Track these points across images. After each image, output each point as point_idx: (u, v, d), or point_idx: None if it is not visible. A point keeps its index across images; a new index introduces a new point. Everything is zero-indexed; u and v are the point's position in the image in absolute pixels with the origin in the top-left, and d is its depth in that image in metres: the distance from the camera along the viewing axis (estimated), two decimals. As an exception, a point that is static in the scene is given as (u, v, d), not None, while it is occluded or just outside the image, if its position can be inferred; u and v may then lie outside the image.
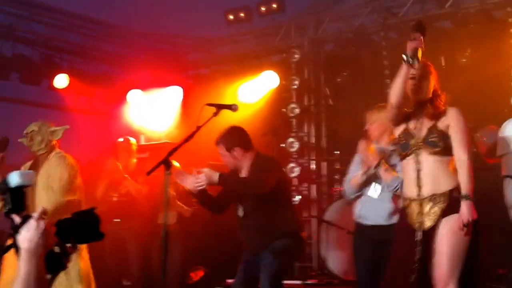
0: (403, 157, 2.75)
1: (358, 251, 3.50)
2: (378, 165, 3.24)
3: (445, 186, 2.61)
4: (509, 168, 3.22)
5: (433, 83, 2.77)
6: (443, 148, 2.63)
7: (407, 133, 2.73)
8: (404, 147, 2.72)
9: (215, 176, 3.17)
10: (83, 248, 3.57)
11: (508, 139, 3.26)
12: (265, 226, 3.34)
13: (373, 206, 3.34)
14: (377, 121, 3.41)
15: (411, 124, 2.75)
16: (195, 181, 3.18)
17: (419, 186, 2.64)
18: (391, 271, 2.73)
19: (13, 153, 3.74)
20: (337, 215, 5.15)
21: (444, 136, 2.65)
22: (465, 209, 2.54)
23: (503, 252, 4.22)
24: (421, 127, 2.71)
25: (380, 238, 3.24)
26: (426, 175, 2.63)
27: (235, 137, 3.42)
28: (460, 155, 2.60)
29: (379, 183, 3.32)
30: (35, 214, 1.56)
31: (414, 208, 2.65)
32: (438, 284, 2.55)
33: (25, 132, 3.69)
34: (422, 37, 2.69)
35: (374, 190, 3.35)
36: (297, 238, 3.45)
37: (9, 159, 3.66)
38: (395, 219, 3.15)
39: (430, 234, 2.60)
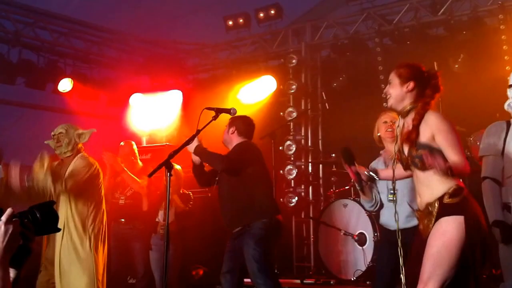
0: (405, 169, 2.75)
1: (379, 255, 3.55)
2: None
3: (437, 192, 2.57)
4: (488, 170, 3.22)
5: (407, 98, 2.65)
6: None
7: (400, 150, 2.71)
8: (402, 163, 2.73)
9: (194, 145, 3.55)
10: (100, 240, 3.70)
11: (490, 141, 3.26)
12: (240, 202, 3.63)
13: (391, 211, 3.30)
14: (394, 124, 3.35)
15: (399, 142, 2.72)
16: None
17: (419, 196, 2.66)
18: (410, 272, 2.69)
19: (23, 157, 3.82)
20: (333, 217, 5.24)
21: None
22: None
23: (496, 252, 4.30)
24: (405, 147, 2.66)
25: (403, 240, 3.25)
26: (422, 184, 2.63)
27: (241, 121, 3.83)
28: (450, 157, 2.51)
29: (395, 188, 3.31)
30: (3, 218, 1.45)
31: (420, 216, 2.67)
32: (419, 283, 2.52)
33: (52, 133, 3.74)
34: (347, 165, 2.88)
35: (391, 196, 3.37)
36: (273, 219, 3.64)
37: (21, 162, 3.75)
38: (414, 221, 3.11)
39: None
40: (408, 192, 3.28)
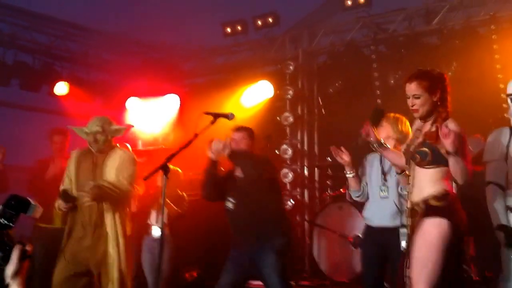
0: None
1: (364, 252, 3.56)
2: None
3: (424, 193, 2.61)
4: (492, 174, 3.26)
5: (432, 99, 2.67)
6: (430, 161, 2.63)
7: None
8: (406, 156, 2.79)
9: (228, 149, 3.38)
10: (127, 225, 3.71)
11: (494, 146, 3.30)
12: (261, 220, 3.44)
13: (378, 207, 3.41)
14: (383, 126, 3.48)
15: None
16: (218, 143, 3.37)
17: (410, 194, 2.71)
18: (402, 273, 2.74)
19: (24, 156, 3.78)
20: (328, 219, 5.29)
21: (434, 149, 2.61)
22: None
23: (490, 255, 4.35)
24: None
25: (384, 241, 3.31)
26: (414, 182, 2.68)
27: (254, 134, 3.71)
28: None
29: (386, 185, 3.40)
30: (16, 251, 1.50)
31: (408, 213, 2.72)
32: (411, 285, 2.56)
33: (88, 131, 3.69)
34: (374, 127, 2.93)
35: (380, 191, 3.41)
36: (291, 237, 3.60)
37: (20, 161, 3.70)
38: (398, 221, 3.21)
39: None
40: (396, 191, 3.33)
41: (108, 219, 3.62)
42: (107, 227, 3.60)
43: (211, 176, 3.52)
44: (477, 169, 4.53)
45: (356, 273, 4.92)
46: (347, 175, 3.52)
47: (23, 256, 1.51)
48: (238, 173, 3.56)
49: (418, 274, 2.53)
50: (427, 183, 2.62)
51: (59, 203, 3.62)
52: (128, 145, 5.08)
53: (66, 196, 3.60)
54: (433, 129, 2.63)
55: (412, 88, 2.70)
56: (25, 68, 6.58)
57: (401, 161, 2.91)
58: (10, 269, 1.49)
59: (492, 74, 5.41)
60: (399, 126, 3.37)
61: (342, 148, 3.47)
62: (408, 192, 2.75)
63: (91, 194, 3.49)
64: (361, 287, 4.74)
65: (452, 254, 2.55)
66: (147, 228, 4.65)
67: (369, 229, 3.51)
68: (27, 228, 5.05)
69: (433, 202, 2.59)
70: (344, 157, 3.44)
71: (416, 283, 2.53)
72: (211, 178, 3.52)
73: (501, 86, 5.41)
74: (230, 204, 3.55)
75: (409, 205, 2.70)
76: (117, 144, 3.83)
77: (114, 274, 3.58)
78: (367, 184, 3.53)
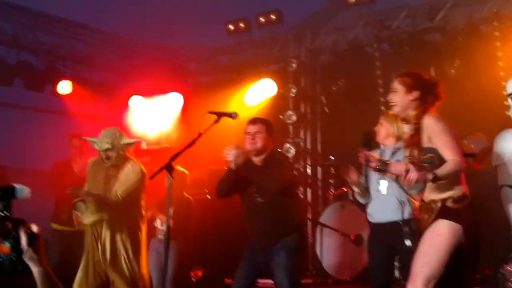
0: None
1: (370, 253, 3.56)
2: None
3: (443, 193, 2.64)
4: (505, 178, 3.31)
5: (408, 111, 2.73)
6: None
7: (411, 155, 2.76)
8: (414, 166, 2.77)
9: (241, 159, 3.28)
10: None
11: (502, 150, 3.34)
12: (279, 218, 3.39)
13: (379, 202, 3.42)
14: (383, 124, 3.54)
15: None
16: (234, 151, 3.28)
17: (427, 189, 2.72)
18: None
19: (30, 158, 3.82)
20: (331, 218, 5.32)
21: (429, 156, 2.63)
22: (415, 169, 2.54)
23: (489, 252, 4.39)
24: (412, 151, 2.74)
25: (389, 239, 3.32)
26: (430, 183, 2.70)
27: (273, 128, 3.55)
28: (446, 157, 2.59)
29: (385, 179, 3.38)
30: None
31: (421, 207, 2.75)
32: (409, 281, 2.60)
33: (98, 148, 3.72)
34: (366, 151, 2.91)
35: (380, 186, 3.42)
36: (304, 233, 3.57)
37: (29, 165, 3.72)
38: (399, 216, 3.23)
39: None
40: (395, 184, 3.32)
41: (111, 232, 3.70)
42: (112, 241, 3.69)
43: (230, 182, 3.44)
44: (478, 168, 4.56)
45: (358, 271, 4.95)
46: (354, 189, 3.53)
47: (31, 238, 1.52)
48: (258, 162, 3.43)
49: (419, 268, 2.56)
50: (446, 183, 2.62)
51: (77, 214, 3.73)
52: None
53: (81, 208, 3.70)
54: (412, 132, 2.69)
55: (394, 82, 2.80)
56: (29, 67, 6.59)
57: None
58: (25, 254, 1.51)
59: (494, 72, 5.39)
60: (399, 123, 3.38)
61: (351, 167, 3.46)
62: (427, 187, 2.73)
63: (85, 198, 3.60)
64: (362, 285, 4.82)
65: (459, 257, 2.58)
66: (154, 231, 4.68)
67: (373, 227, 3.52)
68: (46, 232, 5.13)
69: (451, 204, 2.61)
70: (352, 176, 3.44)
71: (416, 276, 2.56)
72: (229, 183, 3.45)
73: (503, 83, 5.41)
74: (259, 199, 3.42)
75: (424, 199, 2.71)
76: (131, 157, 3.83)
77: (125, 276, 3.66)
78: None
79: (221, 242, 5.68)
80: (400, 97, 2.75)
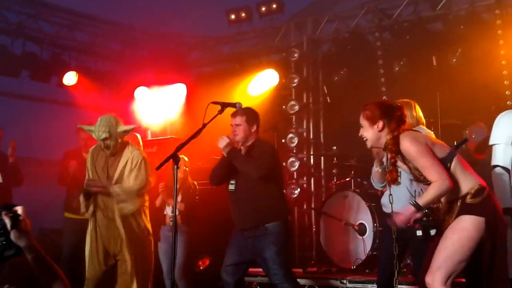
0: None
1: (380, 243, 3.65)
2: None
3: (460, 191, 2.68)
4: (498, 158, 3.30)
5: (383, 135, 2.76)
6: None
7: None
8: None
9: (226, 145, 3.53)
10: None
11: (500, 130, 3.33)
12: (257, 202, 3.60)
13: (394, 194, 3.33)
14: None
15: None
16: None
17: None
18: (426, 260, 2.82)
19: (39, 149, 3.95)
20: (334, 207, 5.37)
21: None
22: (405, 212, 2.69)
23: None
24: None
25: (402, 232, 3.26)
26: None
27: (257, 116, 3.76)
28: (429, 179, 2.65)
29: (400, 170, 3.35)
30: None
31: (446, 209, 2.78)
32: (429, 271, 2.65)
33: (96, 137, 3.80)
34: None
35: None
36: (286, 221, 3.70)
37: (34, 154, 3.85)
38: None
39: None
40: (407, 177, 3.28)
41: (120, 218, 3.82)
42: (120, 225, 3.82)
43: (222, 170, 3.70)
44: (479, 157, 4.61)
45: (361, 260, 5.05)
46: (374, 168, 3.48)
47: (13, 219, 1.57)
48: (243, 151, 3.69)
49: (441, 263, 2.62)
50: (460, 181, 2.68)
51: (81, 200, 3.84)
52: (138, 135, 5.19)
53: (86, 193, 3.80)
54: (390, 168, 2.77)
55: (360, 118, 2.83)
56: (34, 58, 6.63)
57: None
58: (12, 236, 1.56)
59: (496, 60, 5.40)
60: (410, 111, 3.36)
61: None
62: None
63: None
64: (366, 274, 4.93)
65: (484, 249, 2.63)
66: (163, 219, 4.78)
67: (386, 217, 3.49)
68: (59, 222, 5.27)
69: (470, 200, 2.65)
70: (381, 155, 3.34)
71: (436, 270, 2.62)
72: (221, 171, 3.70)
73: (505, 72, 5.43)
74: (231, 186, 3.71)
75: (443, 201, 2.75)
76: (129, 142, 3.93)
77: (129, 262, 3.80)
78: None
79: (227, 230, 5.73)
80: (367, 132, 2.80)
